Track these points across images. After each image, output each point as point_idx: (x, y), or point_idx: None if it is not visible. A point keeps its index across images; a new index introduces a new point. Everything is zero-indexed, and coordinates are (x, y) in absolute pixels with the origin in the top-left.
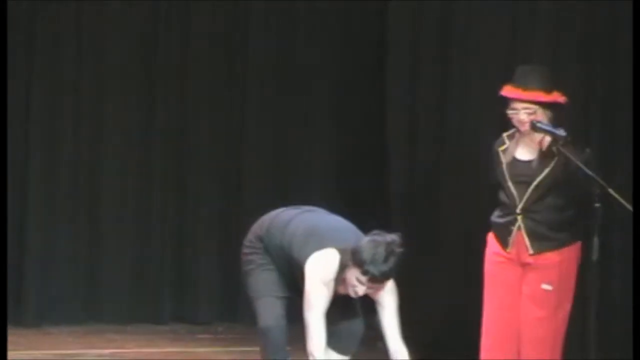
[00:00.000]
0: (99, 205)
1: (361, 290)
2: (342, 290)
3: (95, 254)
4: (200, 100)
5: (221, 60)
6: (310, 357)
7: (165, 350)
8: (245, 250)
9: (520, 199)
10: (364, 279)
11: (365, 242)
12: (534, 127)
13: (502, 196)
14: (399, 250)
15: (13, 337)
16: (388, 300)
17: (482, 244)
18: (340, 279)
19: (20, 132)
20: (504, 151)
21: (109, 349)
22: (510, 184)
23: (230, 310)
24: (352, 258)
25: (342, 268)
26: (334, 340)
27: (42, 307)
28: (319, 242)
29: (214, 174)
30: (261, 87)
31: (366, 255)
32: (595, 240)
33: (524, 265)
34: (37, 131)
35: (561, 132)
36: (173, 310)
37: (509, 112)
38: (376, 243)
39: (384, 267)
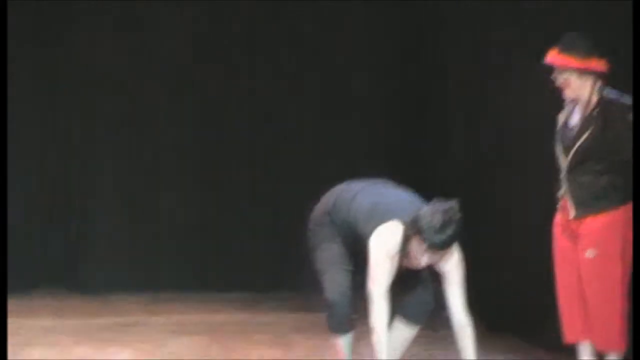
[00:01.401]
0: (159, 172)
1: (423, 260)
2: (406, 263)
3: (157, 221)
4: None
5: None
6: (373, 332)
7: (231, 318)
8: (313, 224)
9: (565, 164)
10: (424, 247)
11: (424, 210)
12: (601, 90)
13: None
14: (457, 217)
15: (77, 304)
16: (453, 271)
17: (546, 216)
18: (405, 251)
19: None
20: (561, 117)
21: (175, 316)
22: (558, 149)
23: (294, 277)
24: (412, 227)
25: (406, 240)
26: (403, 312)
27: (105, 276)
28: (383, 216)
29: (274, 148)
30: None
31: (424, 223)
32: None
33: (573, 232)
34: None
35: (621, 99)
36: (238, 278)
37: (553, 78)
38: (434, 210)
39: (442, 235)
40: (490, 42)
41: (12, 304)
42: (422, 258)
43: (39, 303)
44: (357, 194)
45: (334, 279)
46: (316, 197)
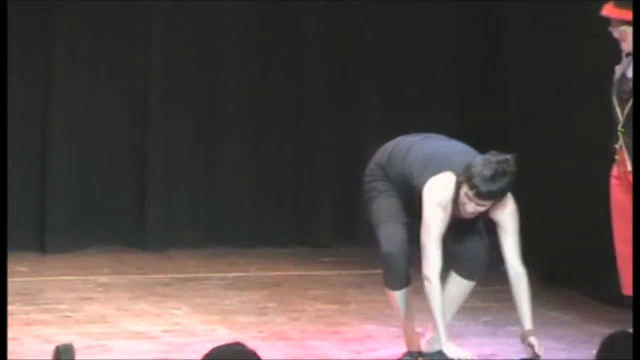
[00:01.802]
0: (217, 130)
1: (470, 207)
2: (458, 213)
3: (217, 178)
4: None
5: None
6: (426, 281)
7: (287, 273)
8: (367, 178)
9: (622, 116)
10: (471, 194)
11: (478, 159)
12: None
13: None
14: (510, 169)
15: (138, 260)
16: (508, 222)
17: (603, 168)
18: (456, 200)
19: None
20: (618, 69)
21: (232, 272)
22: (614, 101)
23: (351, 233)
24: (463, 175)
25: (458, 188)
26: (459, 266)
27: (166, 232)
28: (437, 167)
29: (337, 112)
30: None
31: (475, 171)
32: None
33: (630, 185)
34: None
35: None
36: (294, 234)
37: (609, 29)
38: (488, 160)
39: (491, 185)
40: None
41: (71, 261)
42: (469, 206)
43: (97, 259)
44: (412, 146)
45: (389, 232)
46: (372, 151)
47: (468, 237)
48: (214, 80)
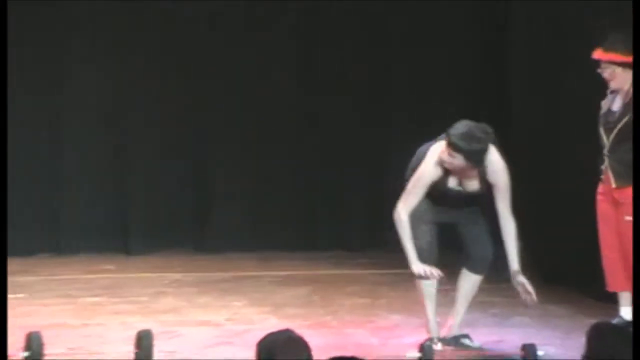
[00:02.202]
0: (266, 141)
1: (445, 155)
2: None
3: (271, 190)
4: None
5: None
6: (396, 213)
7: (328, 272)
8: (405, 183)
9: (607, 143)
10: (445, 145)
11: (462, 122)
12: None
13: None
14: (484, 137)
15: (204, 261)
16: (499, 180)
17: (591, 185)
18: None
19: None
20: (604, 104)
21: (282, 271)
22: (601, 130)
23: (382, 238)
24: (446, 133)
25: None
26: (467, 264)
27: (227, 237)
28: (435, 141)
29: (367, 120)
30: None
31: (454, 128)
32: None
33: (613, 199)
34: None
35: None
36: (334, 239)
37: (599, 70)
38: (467, 123)
39: (460, 140)
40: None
41: (149, 261)
42: (445, 155)
43: (171, 260)
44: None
45: (421, 231)
46: (402, 160)
47: (475, 238)
48: (265, 94)
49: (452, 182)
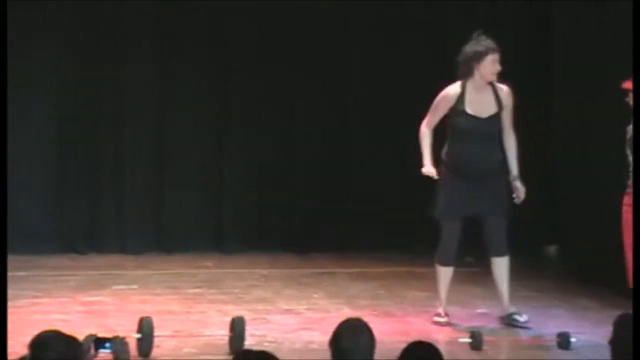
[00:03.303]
0: (342, 145)
1: (496, 66)
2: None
3: (349, 193)
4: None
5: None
6: (422, 130)
7: (393, 270)
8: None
9: (631, 162)
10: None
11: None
12: None
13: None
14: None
15: (288, 259)
16: (509, 101)
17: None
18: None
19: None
20: (629, 128)
21: (355, 269)
22: (628, 150)
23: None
24: (470, 59)
25: (467, 76)
26: (492, 250)
27: (308, 237)
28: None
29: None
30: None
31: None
32: None
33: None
34: None
35: None
36: (400, 242)
37: (627, 99)
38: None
39: (485, 40)
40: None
41: (242, 258)
42: (496, 66)
43: (259, 258)
44: None
45: (447, 226)
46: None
47: (495, 226)
48: (338, 98)
49: (470, 109)
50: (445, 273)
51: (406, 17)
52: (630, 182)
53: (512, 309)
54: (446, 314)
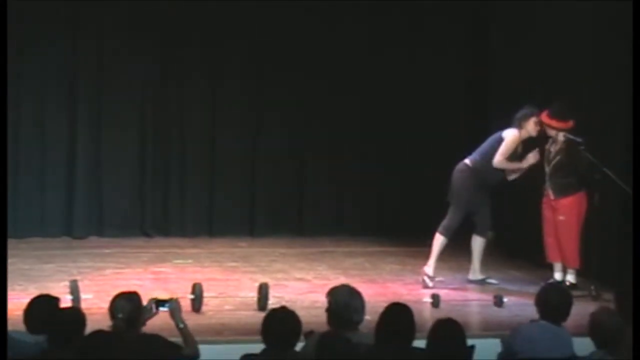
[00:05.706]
0: (368, 137)
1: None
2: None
3: (354, 180)
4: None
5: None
6: (498, 162)
7: (378, 249)
8: None
9: (548, 171)
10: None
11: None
12: (566, 136)
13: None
14: None
15: (299, 240)
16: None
17: (539, 197)
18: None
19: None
20: (547, 147)
21: (347, 248)
22: (545, 163)
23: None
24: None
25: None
26: (477, 230)
27: (315, 222)
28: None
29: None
30: None
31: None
32: (596, 195)
33: (552, 206)
34: None
35: (577, 139)
36: (391, 228)
37: (542, 128)
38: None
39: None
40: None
41: (266, 241)
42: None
43: (277, 240)
44: None
45: (453, 216)
46: None
47: (484, 213)
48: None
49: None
50: (441, 241)
51: (408, 22)
52: (546, 186)
53: (485, 275)
54: (433, 278)
